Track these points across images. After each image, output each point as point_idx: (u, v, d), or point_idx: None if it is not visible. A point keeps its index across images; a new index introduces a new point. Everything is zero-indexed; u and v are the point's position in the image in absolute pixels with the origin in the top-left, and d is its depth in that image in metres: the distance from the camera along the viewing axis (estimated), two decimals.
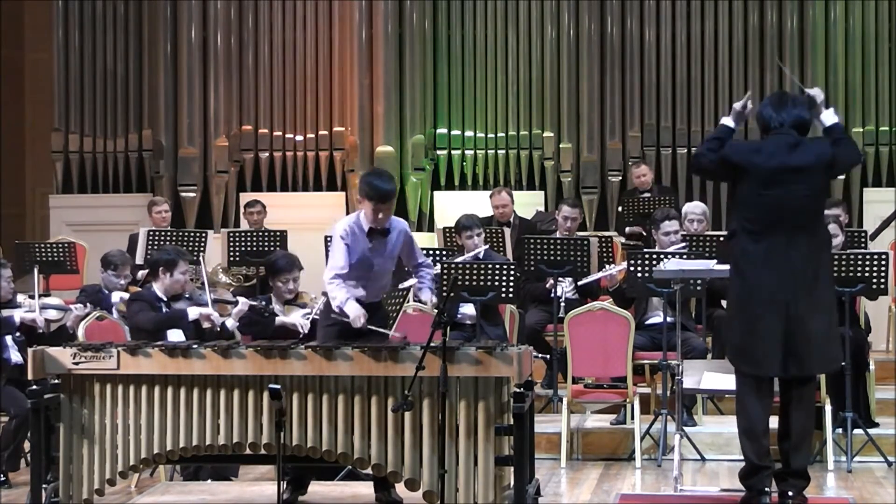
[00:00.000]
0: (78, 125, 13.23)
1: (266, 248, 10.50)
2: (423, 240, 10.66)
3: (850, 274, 8.27)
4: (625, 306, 8.80)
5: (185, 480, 7.69)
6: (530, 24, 12.89)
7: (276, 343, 6.32)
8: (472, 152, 12.94)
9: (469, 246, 9.56)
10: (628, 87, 12.79)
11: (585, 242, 9.61)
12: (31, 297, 8.50)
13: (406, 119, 12.74)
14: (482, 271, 9.00)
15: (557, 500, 7.44)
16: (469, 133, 12.93)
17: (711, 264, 7.64)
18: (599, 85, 12.78)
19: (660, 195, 11.48)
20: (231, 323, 8.03)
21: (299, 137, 13.02)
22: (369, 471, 6.27)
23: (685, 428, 8.06)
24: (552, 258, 9.53)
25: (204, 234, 10.93)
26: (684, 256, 8.65)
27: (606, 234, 11.61)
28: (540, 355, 8.92)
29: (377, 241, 6.83)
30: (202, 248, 10.56)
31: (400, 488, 6.40)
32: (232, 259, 10.87)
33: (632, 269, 8.71)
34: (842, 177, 11.74)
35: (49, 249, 10.80)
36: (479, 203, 11.46)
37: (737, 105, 6.83)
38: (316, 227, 11.42)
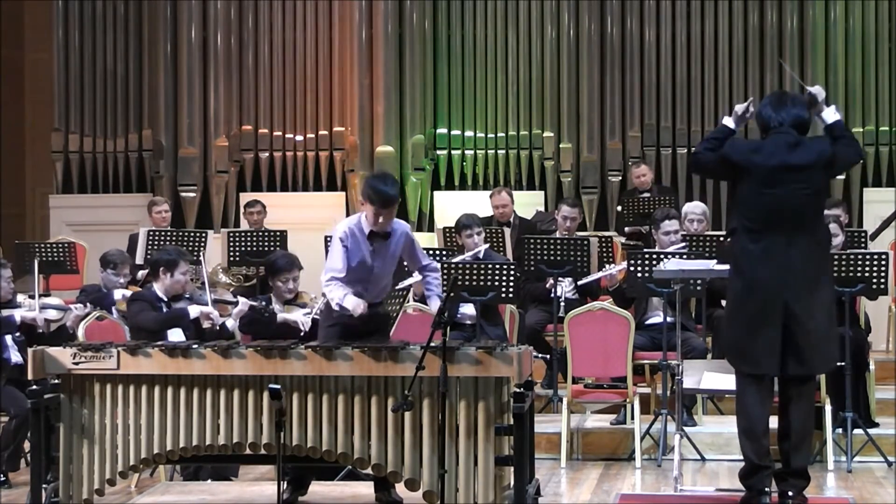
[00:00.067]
0: (78, 125, 13.23)
1: (266, 248, 10.50)
2: (424, 240, 10.64)
3: (850, 274, 8.27)
4: (625, 306, 8.80)
5: (185, 480, 7.69)
6: (530, 24, 12.89)
7: (276, 343, 6.31)
8: (472, 152, 12.94)
9: (469, 245, 9.56)
10: (628, 87, 12.79)
11: (585, 242, 9.61)
12: (31, 297, 8.50)
13: (406, 119, 12.74)
14: (482, 271, 9.00)
15: (557, 500, 7.44)
16: (469, 133, 12.93)
17: (711, 264, 7.63)
18: (599, 85, 12.78)
19: (659, 195, 11.48)
20: (231, 323, 8.03)
21: (299, 137, 13.03)
22: (369, 471, 6.27)
23: (685, 428, 8.06)
24: (552, 258, 9.53)
25: (204, 234, 10.93)
26: (684, 256, 8.65)
27: (606, 234, 11.61)
28: (540, 355, 8.93)
29: (378, 245, 6.82)
30: (202, 249, 10.56)
31: (400, 488, 6.40)
32: (232, 259, 10.87)
33: (632, 269, 8.71)
34: (842, 176, 11.75)
35: (49, 249, 10.80)
36: (479, 203, 11.46)
37: (738, 108, 6.82)
38: (316, 227, 11.44)
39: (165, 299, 7.89)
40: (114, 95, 13.27)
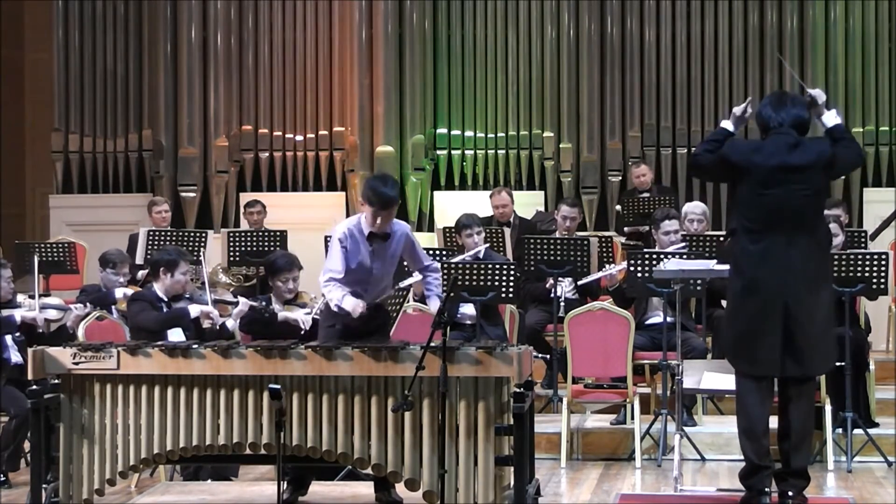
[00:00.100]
0: (78, 125, 13.23)
1: (266, 248, 10.50)
2: (424, 240, 10.64)
3: (850, 274, 8.27)
4: (625, 306, 8.80)
5: (185, 480, 7.69)
6: (530, 24, 12.89)
7: (276, 343, 6.32)
8: (472, 152, 12.94)
9: (469, 244, 9.56)
10: (628, 87, 12.79)
11: (585, 242, 9.61)
12: (31, 297, 8.50)
13: (406, 119, 12.74)
14: (482, 271, 9.00)
15: (557, 500, 7.44)
16: (469, 133, 12.93)
17: (711, 264, 7.63)
18: (599, 85, 12.78)
19: (659, 195, 11.48)
20: (231, 323, 8.03)
21: (299, 137, 13.03)
22: (369, 471, 6.27)
23: (685, 428, 8.06)
24: (552, 258, 9.53)
25: (204, 234, 10.93)
26: (684, 256, 8.65)
27: (606, 234, 11.61)
28: (540, 355, 8.94)
29: (377, 246, 6.82)
30: (202, 249, 10.55)
31: (400, 488, 6.40)
32: (232, 259, 10.87)
33: (632, 269, 8.71)
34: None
35: (49, 249, 10.80)
36: (479, 203, 11.46)
37: (737, 109, 6.82)
38: (316, 227, 11.44)
39: (166, 299, 7.89)
40: (114, 95, 13.27)
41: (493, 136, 12.89)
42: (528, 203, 12.19)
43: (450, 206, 12.38)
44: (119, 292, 9.07)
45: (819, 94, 6.73)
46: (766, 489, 6.51)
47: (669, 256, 8.42)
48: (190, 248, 10.21)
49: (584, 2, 12.76)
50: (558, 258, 9.53)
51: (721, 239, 9.35)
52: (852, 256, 8.33)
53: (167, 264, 7.91)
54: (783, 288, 6.44)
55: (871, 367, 8.58)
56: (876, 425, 8.50)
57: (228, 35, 13.02)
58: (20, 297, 8.48)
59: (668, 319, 8.48)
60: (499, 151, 12.88)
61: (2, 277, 8.27)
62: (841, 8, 12.46)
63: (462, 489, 6.03)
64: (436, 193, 12.85)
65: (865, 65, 12.46)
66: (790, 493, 6.54)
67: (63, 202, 13.13)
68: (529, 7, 12.88)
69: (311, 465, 6.46)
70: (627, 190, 12.23)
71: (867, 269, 8.28)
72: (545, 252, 9.55)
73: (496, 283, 8.98)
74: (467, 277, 8.96)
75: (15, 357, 8.15)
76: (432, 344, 5.79)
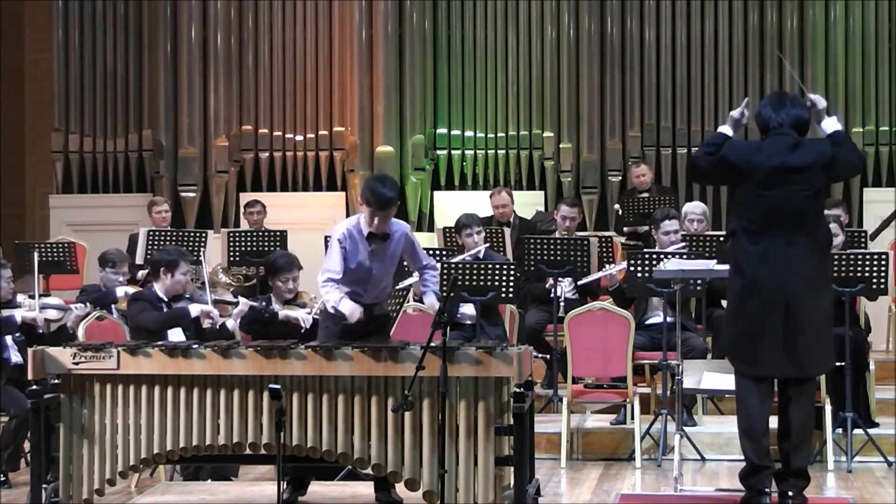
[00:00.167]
0: (78, 125, 13.23)
1: (266, 248, 10.50)
2: (424, 240, 10.64)
3: (850, 274, 8.27)
4: (625, 306, 8.80)
5: (185, 480, 7.69)
6: (530, 24, 12.89)
7: (276, 343, 6.32)
8: (472, 152, 12.94)
9: (469, 244, 9.56)
10: (628, 87, 12.79)
11: (585, 242, 9.61)
12: (31, 297, 8.50)
13: (406, 119, 12.74)
14: (482, 271, 9.00)
15: (557, 500, 7.44)
16: (469, 133, 12.93)
17: (711, 264, 7.63)
18: (599, 85, 12.78)
19: (659, 195, 11.48)
20: (231, 323, 8.03)
21: (299, 137, 13.03)
22: (369, 471, 6.28)
23: (685, 428, 8.06)
24: (552, 258, 9.53)
25: (204, 234, 10.93)
26: (684, 256, 8.65)
27: (606, 234, 11.61)
28: (540, 355, 8.94)
29: (377, 246, 6.82)
30: (202, 249, 10.55)
31: (400, 488, 6.40)
32: (232, 259, 10.87)
33: (632, 269, 8.71)
34: None
35: (49, 249, 10.80)
36: (479, 203, 11.46)
37: (734, 113, 6.79)
38: (316, 227, 11.44)
39: (166, 299, 7.89)
40: (114, 95, 13.27)
41: (493, 136, 12.89)
42: (528, 203, 12.19)
43: (450, 206, 12.38)
44: (120, 291, 9.07)
45: (819, 100, 6.70)
46: (766, 489, 6.51)
47: (669, 256, 8.42)
48: (190, 248, 10.20)
49: (584, 2, 12.76)
50: (558, 258, 9.53)
51: (721, 239, 9.34)
52: (852, 256, 8.33)
53: (167, 264, 7.91)
54: (783, 288, 6.44)
55: (871, 367, 8.58)
56: (876, 425, 8.50)
57: (228, 35, 13.02)
58: (20, 297, 8.48)
59: (668, 319, 8.48)
60: (499, 151, 12.88)
61: (2, 277, 8.27)
62: (841, 8, 12.46)
63: (462, 489, 6.03)
64: (436, 193, 12.86)
65: (865, 65, 12.46)
66: (790, 494, 6.54)
67: (63, 202, 13.13)
68: (529, 7, 12.88)
69: (311, 465, 6.46)
70: (627, 190, 12.22)
71: (867, 269, 8.28)
72: (545, 252, 9.55)
73: (496, 283, 8.98)
74: (467, 277, 8.96)
75: (15, 357, 8.15)
76: (432, 344, 5.79)
